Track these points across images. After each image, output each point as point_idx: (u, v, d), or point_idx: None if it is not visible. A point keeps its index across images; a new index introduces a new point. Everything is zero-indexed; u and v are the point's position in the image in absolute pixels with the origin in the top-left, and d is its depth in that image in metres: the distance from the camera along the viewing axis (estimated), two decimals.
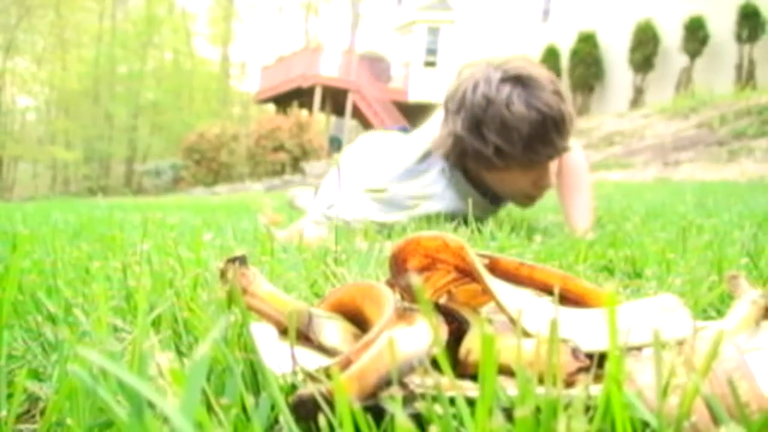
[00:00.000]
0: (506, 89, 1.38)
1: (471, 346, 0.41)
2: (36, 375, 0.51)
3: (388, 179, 1.53)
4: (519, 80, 1.39)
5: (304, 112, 17.97)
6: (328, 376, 0.36)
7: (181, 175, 17.20)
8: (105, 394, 0.27)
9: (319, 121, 17.70)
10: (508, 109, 1.37)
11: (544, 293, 0.52)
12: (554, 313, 0.35)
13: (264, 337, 0.46)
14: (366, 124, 18.06)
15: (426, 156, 1.55)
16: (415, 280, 0.28)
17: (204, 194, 12.32)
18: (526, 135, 1.37)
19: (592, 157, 8.68)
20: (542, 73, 1.42)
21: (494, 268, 0.51)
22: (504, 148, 1.39)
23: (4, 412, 0.41)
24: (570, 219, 1.58)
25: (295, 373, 0.38)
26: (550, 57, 14.17)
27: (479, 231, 1.03)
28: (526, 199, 1.57)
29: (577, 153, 1.65)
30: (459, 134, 1.43)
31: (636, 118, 10.99)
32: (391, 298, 0.43)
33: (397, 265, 0.47)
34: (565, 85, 14.18)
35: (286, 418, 0.32)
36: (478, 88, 1.41)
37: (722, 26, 11.48)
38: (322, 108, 18.00)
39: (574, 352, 0.38)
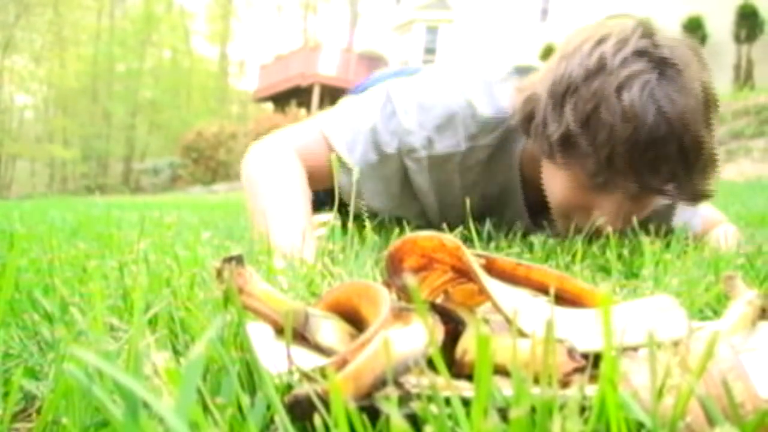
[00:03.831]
0: (635, 67, 0.91)
1: (467, 346, 0.41)
2: (32, 373, 0.51)
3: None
4: (661, 64, 0.92)
5: (303, 110, 17.97)
6: (324, 375, 0.36)
7: (179, 174, 17.21)
8: (100, 394, 0.27)
9: None
10: (618, 94, 0.90)
11: (540, 293, 0.52)
12: (550, 313, 0.35)
13: (260, 336, 0.46)
14: None
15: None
16: (410, 280, 0.28)
17: (202, 193, 12.33)
18: (622, 142, 0.90)
19: None
20: (700, 77, 0.95)
21: (491, 268, 0.51)
22: (578, 141, 0.92)
23: (0, 411, 0.41)
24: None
25: (291, 372, 0.38)
26: (549, 56, 14.17)
27: (477, 232, 1.01)
28: (570, 222, 1.03)
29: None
30: (537, 92, 1.00)
31: None
32: (387, 298, 0.43)
33: (394, 264, 0.47)
34: None
35: (282, 418, 0.32)
36: (604, 42, 0.95)
37: (720, 26, 11.49)
38: (321, 107, 18.00)
39: (570, 352, 0.38)
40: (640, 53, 0.92)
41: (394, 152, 1.08)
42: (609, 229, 0.94)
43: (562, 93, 0.95)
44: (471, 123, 1.08)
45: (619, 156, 0.90)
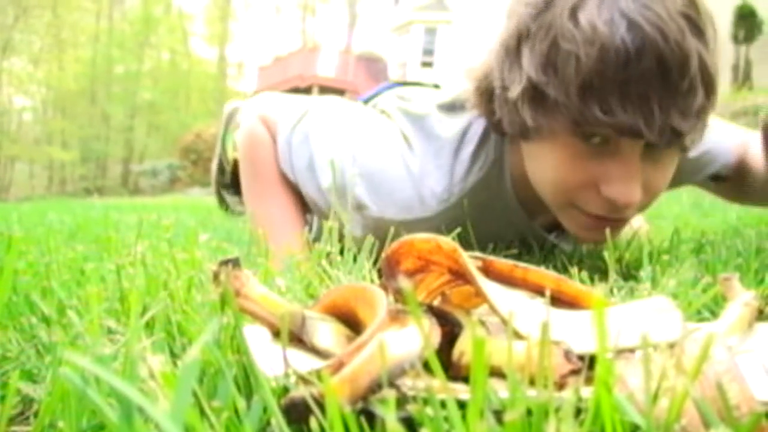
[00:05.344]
0: None
1: (464, 348, 0.41)
2: (30, 377, 0.51)
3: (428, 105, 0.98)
4: None
5: None
6: (321, 378, 0.36)
7: (177, 176, 17.20)
8: (96, 397, 0.27)
9: None
10: (573, 18, 0.74)
11: (537, 295, 0.52)
12: (546, 315, 0.35)
13: (257, 339, 0.46)
14: None
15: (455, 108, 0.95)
16: (405, 283, 0.28)
17: (201, 194, 12.31)
18: (591, 70, 0.72)
19: None
20: None
21: (488, 270, 0.51)
22: (545, 89, 0.76)
23: None
24: None
25: (287, 375, 0.38)
26: None
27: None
28: (588, 220, 0.83)
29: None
30: (489, 63, 0.85)
31: None
32: (384, 301, 0.43)
33: (390, 267, 0.48)
34: None
35: (278, 421, 0.32)
36: None
37: (719, 26, 11.47)
38: None
39: (567, 354, 0.38)
40: None
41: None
42: (625, 201, 0.77)
43: (516, 45, 0.80)
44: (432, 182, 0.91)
45: (592, 88, 0.73)
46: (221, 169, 1.81)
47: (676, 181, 0.95)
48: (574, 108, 0.74)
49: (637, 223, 1.25)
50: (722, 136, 1.03)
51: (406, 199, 0.91)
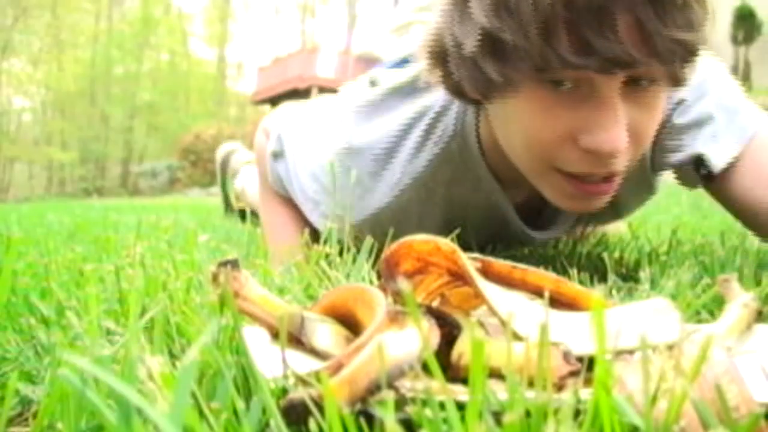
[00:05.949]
0: None
1: (463, 349, 0.41)
2: (29, 378, 0.51)
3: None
4: None
5: None
6: (319, 379, 0.36)
7: (177, 176, 17.20)
8: (94, 398, 0.27)
9: None
10: None
11: (536, 296, 0.52)
12: (545, 316, 0.35)
13: (256, 340, 0.46)
14: None
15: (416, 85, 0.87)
16: (404, 285, 0.28)
17: (200, 195, 12.31)
18: (553, 3, 0.60)
19: None
20: None
21: (487, 271, 0.51)
22: (502, 36, 0.64)
23: None
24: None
25: (286, 376, 0.38)
26: None
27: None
28: (572, 185, 0.73)
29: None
30: (438, 24, 0.74)
31: None
32: (383, 302, 0.43)
33: (389, 268, 0.47)
34: None
35: (277, 422, 0.32)
36: None
37: (718, 28, 11.48)
38: None
39: (566, 355, 0.38)
40: None
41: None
42: (609, 148, 0.67)
43: None
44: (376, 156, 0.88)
45: (557, 24, 0.61)
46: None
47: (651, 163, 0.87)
48: (536, 52, 0.63)
49: (619, 226, 1.25)
50: (725, 110, 0.87)
51: (355, 199, 0.89)
